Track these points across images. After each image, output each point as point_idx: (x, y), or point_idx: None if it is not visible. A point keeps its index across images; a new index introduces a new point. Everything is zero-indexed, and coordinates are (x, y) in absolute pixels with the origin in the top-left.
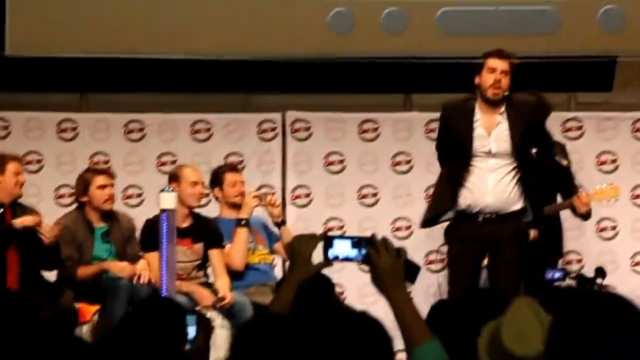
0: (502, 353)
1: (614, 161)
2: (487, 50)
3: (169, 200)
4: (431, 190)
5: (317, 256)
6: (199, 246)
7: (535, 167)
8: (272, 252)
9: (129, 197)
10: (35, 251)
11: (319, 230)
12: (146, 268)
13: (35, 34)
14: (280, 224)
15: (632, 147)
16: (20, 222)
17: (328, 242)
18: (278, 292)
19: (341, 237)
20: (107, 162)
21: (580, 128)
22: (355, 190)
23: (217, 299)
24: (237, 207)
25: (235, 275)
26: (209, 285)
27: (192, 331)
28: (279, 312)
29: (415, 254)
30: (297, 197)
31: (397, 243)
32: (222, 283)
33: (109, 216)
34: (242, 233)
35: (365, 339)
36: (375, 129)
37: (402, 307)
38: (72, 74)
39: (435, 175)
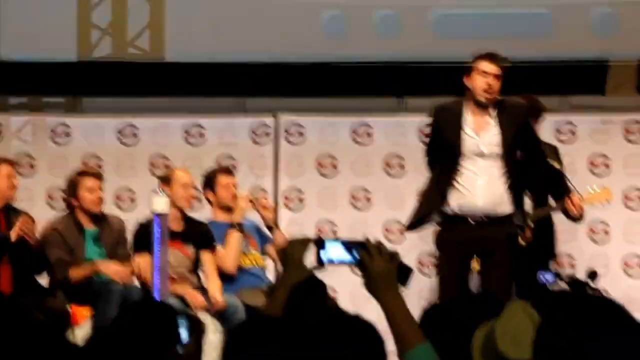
0: (497, 356)
1: (606, 164)
2: (479, 53)
3: (161, 204)
4: None
5: (309, 259)
6: (191, 249)
7: (523, 170)
8: (265, 255)
9: (122, 200)
10: (25, 255)
11: (311, 234)
12: (145, 269)
13: (28, 37)
14: (273, 227)
15: (625, 150)
16: (16, 232)
17: (321, 245)
18: (271, 296)
19: (334, 240)
20: (100, 165)
21: (573, 131)
22: (348, 194)
23: (209, 302)
24: (230, 210)
25: (227, 279)
26: (202, 289)
27: (184, 334)
28: (272, 315)
29: (408, 258)
30: (290, 200)
31: (389, 246)
32: (213, 286)
33: (100, 219)
34: (234, 236)
35: (358, 342)
36: (369, 133)
37: (395, 310)
38: (65, 78)
39: None
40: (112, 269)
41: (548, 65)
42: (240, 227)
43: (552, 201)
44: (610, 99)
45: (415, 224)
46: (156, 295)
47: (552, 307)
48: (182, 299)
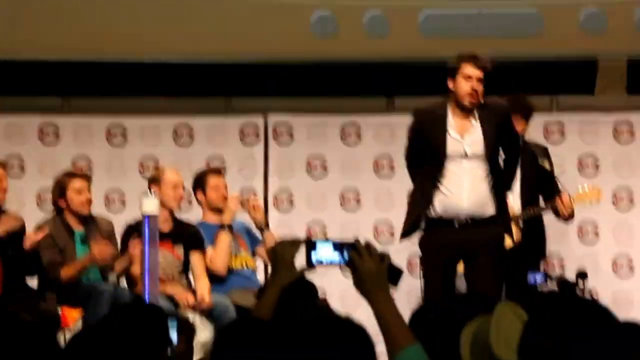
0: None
1: (596, 164)
2: (462, 54)
3: (151, 206)
4: None
5: (300, 260)
6: (180, 249)
7: (504, 171)
8: (255, 256)
9: (112, 201)
10: (17, 257)
11: (301, 235)
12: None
13: (16, 38)
14: (263, 228)
15: (614, 150)
16: (3, 231)
17: (311, 246)
18: (261, 297)
19: (324, 241)
20: (89, 166)
21: (562, 131)
22: (337, 195)
23: (197, 302)
24: (219, 211)
25: (217, 280)
26: (192, 290)
27: (174, 335)
28: (262, 317)
29: (398, 258)
30: (280, 201)
31: (379, 247)
32: (202, 285)
33: (88, 220)
34: (224, 237)
35: (349, 343)
36: (358, 133)
37: (385, 311)
38: (53, 77)
39: None
40: (95, 250)
41: (538, 64)
42: (230, 228)
43: (542, 202)
44: (600, 99)
45: (408, 231)
46: (146, 296)
47: (539, 309)
48: (171, 299)
